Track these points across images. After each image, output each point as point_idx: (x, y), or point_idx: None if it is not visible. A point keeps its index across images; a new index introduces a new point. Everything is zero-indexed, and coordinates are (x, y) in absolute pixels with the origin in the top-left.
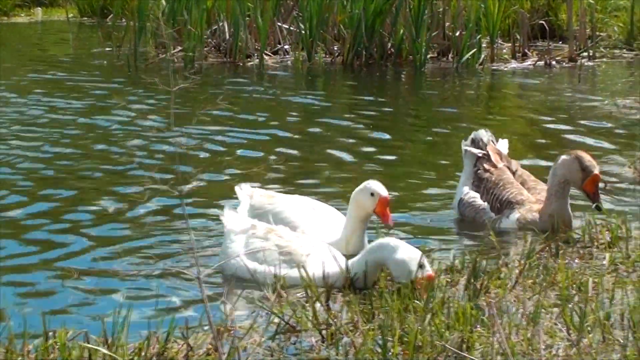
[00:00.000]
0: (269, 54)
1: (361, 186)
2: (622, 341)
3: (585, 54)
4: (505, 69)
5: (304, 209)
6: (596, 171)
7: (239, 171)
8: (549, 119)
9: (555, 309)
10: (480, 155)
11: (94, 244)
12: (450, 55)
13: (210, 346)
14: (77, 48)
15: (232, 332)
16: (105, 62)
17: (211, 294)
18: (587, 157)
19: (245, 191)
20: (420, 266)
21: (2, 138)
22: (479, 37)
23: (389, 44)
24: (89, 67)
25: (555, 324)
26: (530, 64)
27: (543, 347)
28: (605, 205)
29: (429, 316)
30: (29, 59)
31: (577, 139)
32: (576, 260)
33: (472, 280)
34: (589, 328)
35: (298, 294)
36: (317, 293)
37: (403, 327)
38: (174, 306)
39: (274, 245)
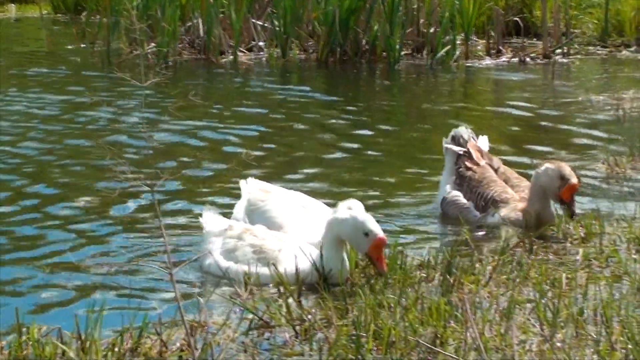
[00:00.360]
0: (244, 50)
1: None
2: (595, 336)
3: (559, 50)
4: (480, 65)
5: (292, 208)
6: (574, 180)
7: (218, 166)
8: (525, 114)
9: (529, 305)
10: (461, 152)
11: (68, 240)
12: (424, 52)
13: (183, 342)
14: (51, 45)
15: (205, 327)
16: (79, 59)
17: (185, 291)
18: (568, 169)
19: (248, 186)
20: (367, 233)
21: None
22: (453, 34)
23: (364, 41)
24: (63, 63)
25: (529, 320)
26: (504, 61)
27: (516, 342)
28: (578, 201)
29: (399, 309)
30: (2, 56)
31: (552, 135)
32: (550, 256)
33: (446, 276)
34: (562, 323)
35: (271, 291)
36: (289, 289)
37: (377, 322)
38: (147, 303)
39: (248, 245)
